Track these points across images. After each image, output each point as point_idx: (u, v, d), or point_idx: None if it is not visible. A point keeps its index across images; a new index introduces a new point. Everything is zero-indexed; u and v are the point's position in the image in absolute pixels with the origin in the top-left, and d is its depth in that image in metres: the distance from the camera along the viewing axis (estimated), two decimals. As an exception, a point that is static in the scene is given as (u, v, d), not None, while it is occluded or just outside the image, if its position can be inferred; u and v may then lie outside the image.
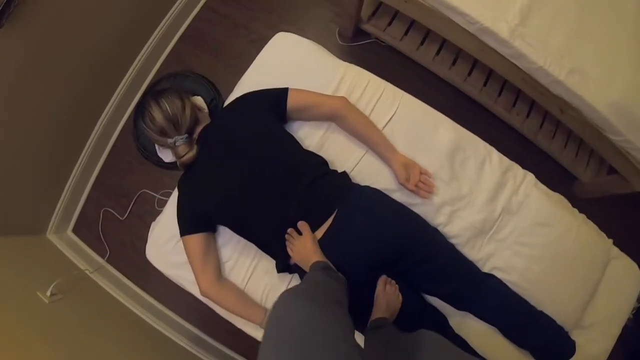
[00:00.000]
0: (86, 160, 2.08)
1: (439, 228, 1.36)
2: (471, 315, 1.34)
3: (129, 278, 2.10)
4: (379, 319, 1.22)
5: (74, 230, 2.19)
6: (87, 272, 1.99)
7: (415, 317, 1.30)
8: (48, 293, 1.64)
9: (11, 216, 1.82)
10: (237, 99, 1.37)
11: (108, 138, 2.18)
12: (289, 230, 1.22)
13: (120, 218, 2.12)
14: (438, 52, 2.10)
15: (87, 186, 2.18)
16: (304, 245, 1.19)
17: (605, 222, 1.52)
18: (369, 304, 1.27)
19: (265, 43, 1.53)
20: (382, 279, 1.29)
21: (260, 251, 1.35)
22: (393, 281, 1.30)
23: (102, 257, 2.12)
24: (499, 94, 2.12)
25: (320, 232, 1.22)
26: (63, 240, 2.10)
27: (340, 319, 0.81)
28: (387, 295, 1.26)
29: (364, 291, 1.27)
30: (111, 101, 2.07)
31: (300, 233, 1.22)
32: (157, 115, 1.25)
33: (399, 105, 1.42)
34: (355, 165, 1.39)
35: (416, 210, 1.32)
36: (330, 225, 1.21)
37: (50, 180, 1.99)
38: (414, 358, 0.95)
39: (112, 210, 2.13)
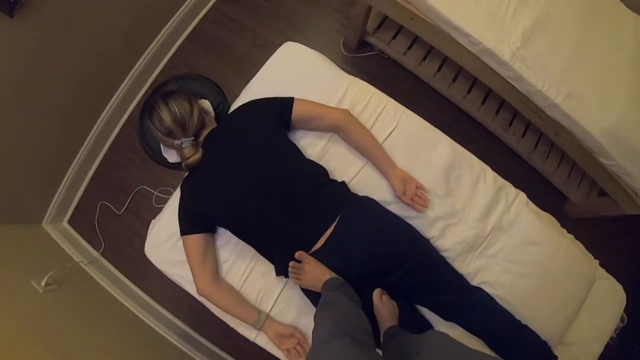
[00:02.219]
0: (86, 153, 2.10)
1: (431, 241, 1.40)
2: (457, 326, 1.37)
3: (122, 272, 2.11)
4: (390, 328, 1.26)
5: (70, 222, 2.19)
6: (81, 264, 2.00)
7: (409, 325, 1.33)
8: (43, 283, 1.64)
9: (8, 204, 1.83)
10: (243, 105, 1.40)
11: (109, 133, 2.20)
12: (291, 263, 1.25)
13: (117, 212, 2.13)
14: (439, 69, 2.15)
15: (86, 179, 2.19)
16: (312, 271, 1.23)
17: (593, 243, 1.56)
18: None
19: (270, 48, 1.56)
20: (377, 292, 1.33)
21: (257, 254, 1.38)
22: (384, 290, 1.34)
23: (97, 250, 2.13)
24: (497, 113, 2.17)
25: (321, 241, 1.25)
26: (59, 231, 2.11)
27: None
28: (386, 304, 1.30)
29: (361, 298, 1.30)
30: (115, 96, 2.09)
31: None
32: (166, 116, 1.28)
33: (399, 121, 1.46)
34: (354, 177, 1.43)
35: (411, 223, 1.36)
36: (331, 234, 1.24)
37: (49, 171, 2.01)
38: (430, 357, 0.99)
39: (109, 204, 2.14)
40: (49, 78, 1.69)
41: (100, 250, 2.13)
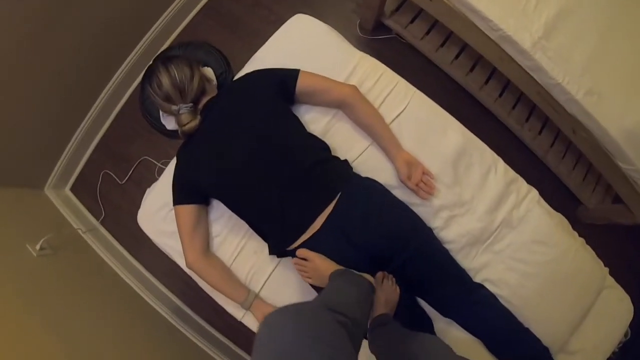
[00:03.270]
0: (92, 120, 2.08)
1: (435, 232, 1.34)
2: (455, 324, 1.32)
3: (120, 242, 2.11)
4: (381, 315, 1.21)
5: (72, 189, 2.19)
6: (79, 231, 1.99)
7: (407, 312, 1.29)
8: (37, 247, 1.64)
9: (11, 166, 1.82)
10: (246, 74, 1.35)
11: (117, 101, 2.18)
12: (293, 260, 1.22)
13: (120, 182, 2.12)
14: (457, 56, 2.07)
15: (90, 147, 2.18)
16: (317, 268, 1.18)
17: (603, 251, 1.49)
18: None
19: (282, 23, 1.51)
20: (379, 274, 1.27)
21: (250, 230, 1.33)
22: (390, 275, 1.28)
23: (97, 218, 2.12)
24: (513, 107, 2.09)
25: (319, 221, 1.19)
26: (60, 197, 2.11)
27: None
28: (385, 290, 1.24)
29: None
30: (124, 65, 2.07)
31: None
32: (165, 80, 1.23)
33: (409, 102, 1.40)
34: (358, 156, 1.37)
35: (414, 210, 1.30)
36: (330, 212, 1.19)
37: (55, 136, 1.99)
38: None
39: (112, 174, 2.13)
40: (58, 42, 1.67)
41: (100, 219, 2.12)
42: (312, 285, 1.27)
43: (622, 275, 1.51)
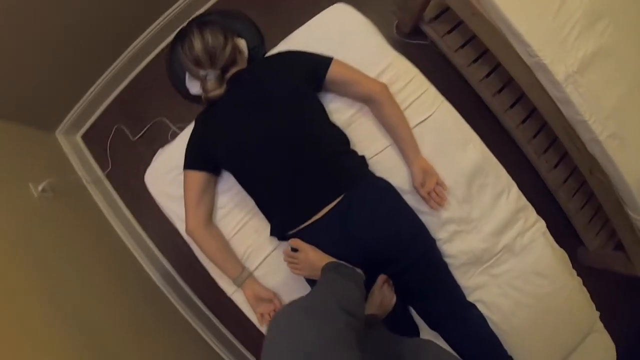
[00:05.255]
0: (116, 71, 2.06)
1: (438, 243, 1.32)
2: (440, 338, 1.30)
3: (122, 198, 2.11)
4: (371, 316, 1.20)
5: (83, 137, 2.19)
6: (83, 180, 1.99)
7: (396, 317, 1.28)
8: (40, 188, 1.65)
9: (27, 104, 1.82)
10: (280, 53, 1.34)
11: (144, 57, 2.16)
12: (284, 251, 1.21)
13: (131, 139, 2.11)
14: (488, 75, 2.05)
15: (109, 98, 2.17)
16: (308, 259, 1.17)
17: (595, 295, 1.48)
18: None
19: (322, 10, 1.49)
20: (383, 277, 1.27)
21: (255, 209, 1.32)
22: (391, 282, 1.28)
23: (103, 170, 2.12)
24: (534, 136, 2.07)
25: (324, 210, 1.18)
26: (70, 143, 2.11)
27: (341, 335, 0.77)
28: (382, 294, 1.24)
29: None
30: (157, 22, 2.05)
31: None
32: (197, 44, 1.22)
33: (435, 110, 1.39)
34: (375, 155, 1.36)
35: (421, 218, 1.29)
36: (335, 206, 1.18)
37: (76, 81, 1.98)
38: None
39: (125, 129, 2.12)
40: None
41: (106, 172, 2.12)
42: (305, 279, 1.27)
43: (610, 323, 1.50)
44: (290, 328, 0.74)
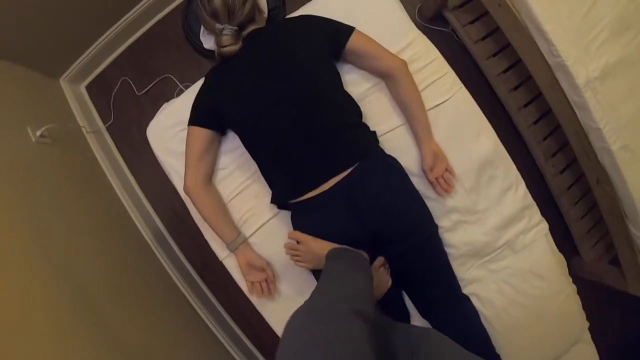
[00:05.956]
0: (129, 23, 2.00)
1: (440, 231, 1.30)
2: (430, 327, 1.29)
3: (120, 152, 2.08)
4: None
5: (87, 87, 2.15)
6: (83, 129, 1.96)
7: (390, 301, 1.27)
8: (38, 133, 1.62)
9: (34, 47, 1.77)
10: (300, 16, 1.29)
11: (158, 11, 2.08)
12: (286, 244, 1.20)
13: (137, 93, 2.07)
14: (505, 71, 2.01)
15: (118, 50, 2.11)
16: (309, 249, 1.15)
17: (585, 305, 1.47)
18: None
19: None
20: (380, 259, 1.25)
21: (258, 173, 1.30)
22: (388, 265, 1.26)
23: (104, 122, 2.09)
24: (544, 139, 2.05)
25: (331, 182, 1.15)
26: (73, 92, 2.07)
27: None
28: (379, 277, 1.22)
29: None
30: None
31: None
32: None
33: (453, 95, 1.35)
34: (387, 132, 1.33)
35: (426, 203, 1.26)
36: (345, 177, 1.15)
37: (86, 29, 1.92)
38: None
39: (131, 82, 2.08)
40: None
41: (107, 124, 2.09)
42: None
43: (595, 336, 1.50)
44: (296, 338, 0.72)
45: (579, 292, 1.46)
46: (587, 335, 1.46)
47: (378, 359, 0.74)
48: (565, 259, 1.54)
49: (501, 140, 1.41)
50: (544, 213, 1.44)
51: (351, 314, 0.77)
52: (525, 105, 2.03)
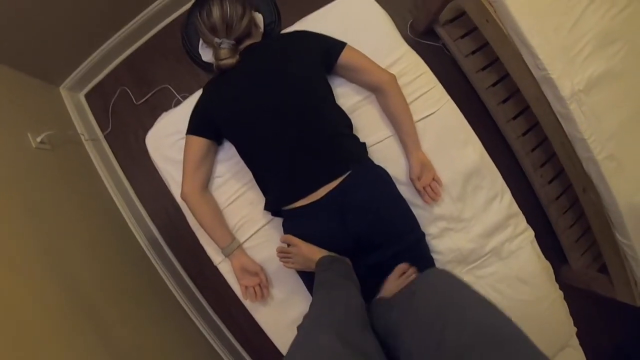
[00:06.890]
0: (128, 33, 2.06)
1: (427, 239, 1.34)
2: None
3: (118, 160, 2.11)
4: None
5: (86, 96, 2.19)
6: (82, 136, 1.99)
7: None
8: (38, 139, 1.65)
9: (35, 55, 1.81)
10: (295, 31, 1.34)
11: (157, 22, 2.14)
12: (278, 248, 1.23)
13: (135, 102, 2.11)
14: (495, 84, 2.07)
15: (118, 59, 2.16)
16: (301, 253, 1.19)
17: (573, 312, 1.50)
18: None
19: (340, -1, 1.49)
20: (402, 267, 1.25)
21: (252, 181, 1.34)
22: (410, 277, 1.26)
23: (102, 130, 2.12)
24: (533, 150, 2.09)
25: (321, 192, 1.19)
26: (72, 99, 2.10)
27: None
28: (398, 284, 1.23)
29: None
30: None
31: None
32: (216, 12, 1.23)
33: (440, 108, 1.40)
34: (376, 143, 1.37)
35: (413, 211, 1.30)
36: (336, 187, 1.19)
37: (87, 38, 1.97)
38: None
39: (129, 92, 2.12)
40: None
41: (105, 132, 2.12)
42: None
43: (584, 343, 1.52)
44: None
45: (567, 299, 1.48)
46: (575, 341, 1.48)
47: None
48: (555, 267, 1.57)
49: (490, 151, 1.44)
50: (532, 222, 1.47)
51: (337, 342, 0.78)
52: (515, 118, 2.07)
